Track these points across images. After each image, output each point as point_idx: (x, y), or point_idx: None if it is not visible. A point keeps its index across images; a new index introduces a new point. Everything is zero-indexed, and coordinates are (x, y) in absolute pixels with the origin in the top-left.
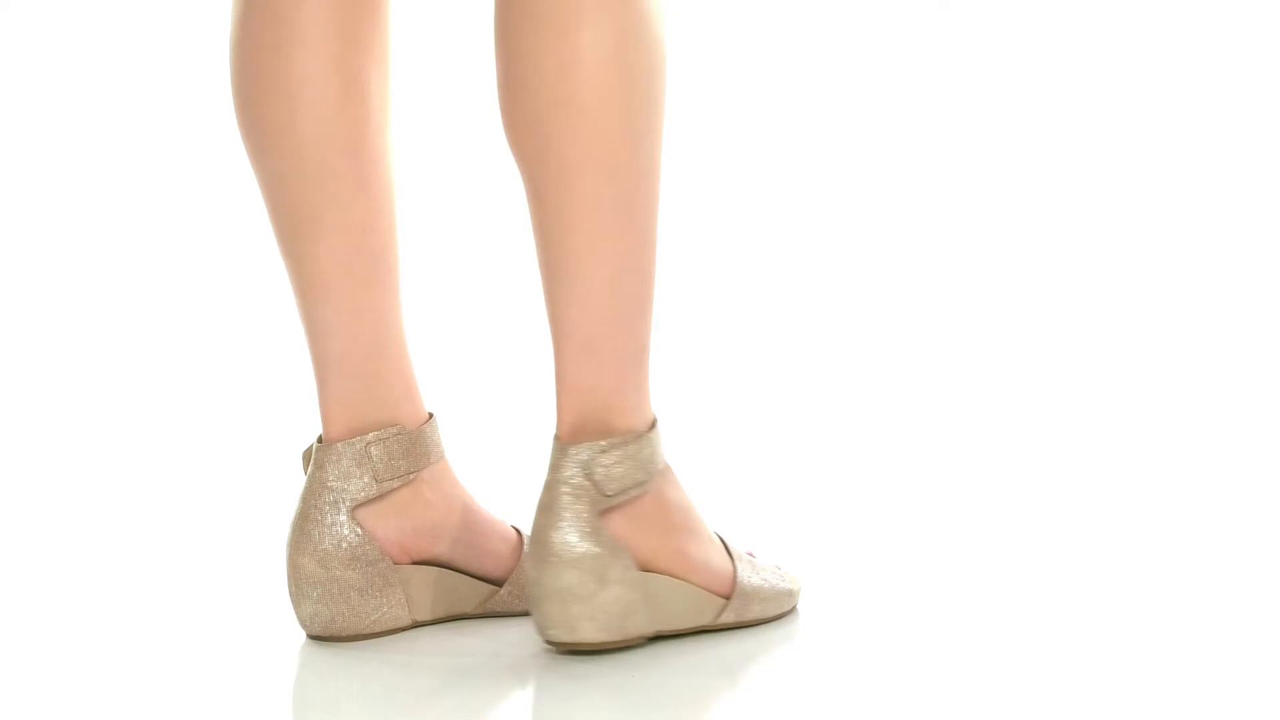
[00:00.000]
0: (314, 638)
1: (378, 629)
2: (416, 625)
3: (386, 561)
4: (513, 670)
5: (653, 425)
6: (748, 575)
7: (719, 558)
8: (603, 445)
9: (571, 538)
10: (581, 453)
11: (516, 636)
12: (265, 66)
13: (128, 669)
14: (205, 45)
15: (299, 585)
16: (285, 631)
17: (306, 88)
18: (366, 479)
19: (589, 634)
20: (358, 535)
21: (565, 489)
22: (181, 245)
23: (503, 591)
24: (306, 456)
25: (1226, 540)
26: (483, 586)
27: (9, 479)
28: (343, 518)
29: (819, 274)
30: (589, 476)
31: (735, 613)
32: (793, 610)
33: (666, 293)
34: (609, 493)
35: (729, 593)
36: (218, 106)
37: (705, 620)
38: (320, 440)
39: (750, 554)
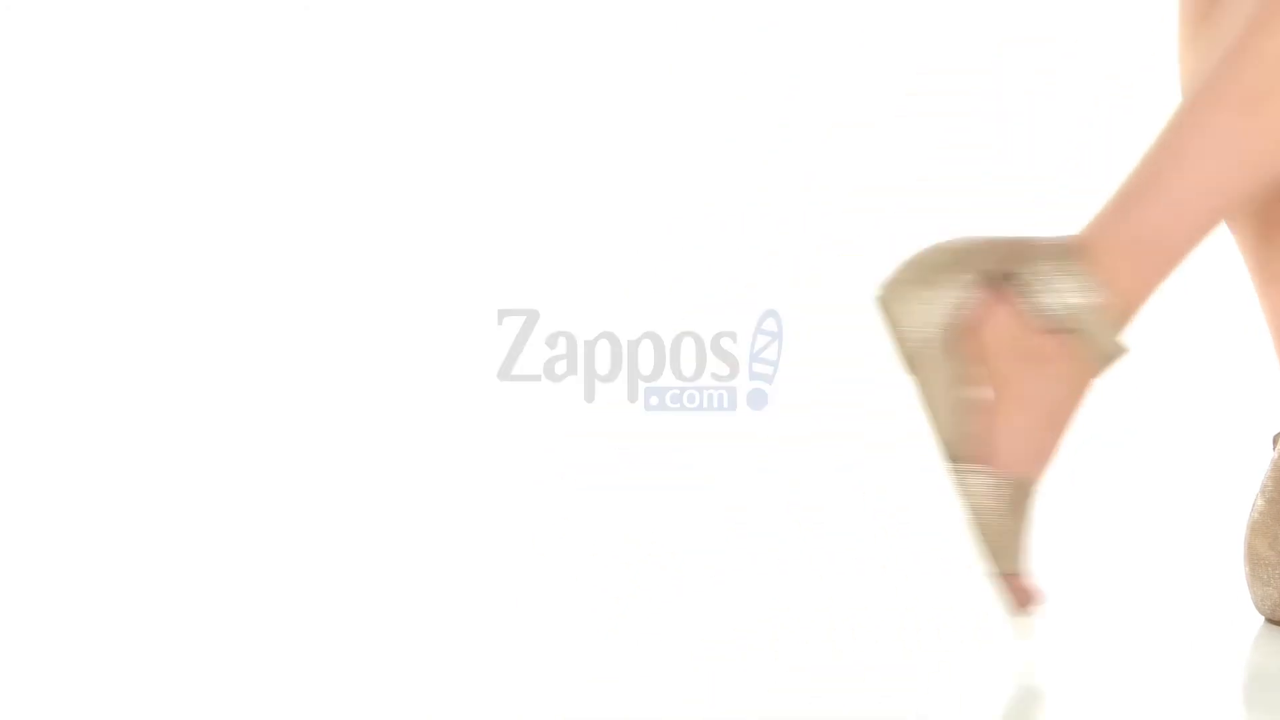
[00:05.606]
0: (1269, 620)
1: None
2: None
3: None
4: None
5: None
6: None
7: None
8: None
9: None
10: None
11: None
12: None
13: (126, 668)
14: (205, 45)
15: (1252, 567)
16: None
17: None
18: None
19: None
20: None
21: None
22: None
23: None
24: (1277, 439)
25: None
26: None
27: (11, 480)
28: None
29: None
30: None
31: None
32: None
33: None
34: None
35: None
36: (216, 107)
37: None
38: None
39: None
